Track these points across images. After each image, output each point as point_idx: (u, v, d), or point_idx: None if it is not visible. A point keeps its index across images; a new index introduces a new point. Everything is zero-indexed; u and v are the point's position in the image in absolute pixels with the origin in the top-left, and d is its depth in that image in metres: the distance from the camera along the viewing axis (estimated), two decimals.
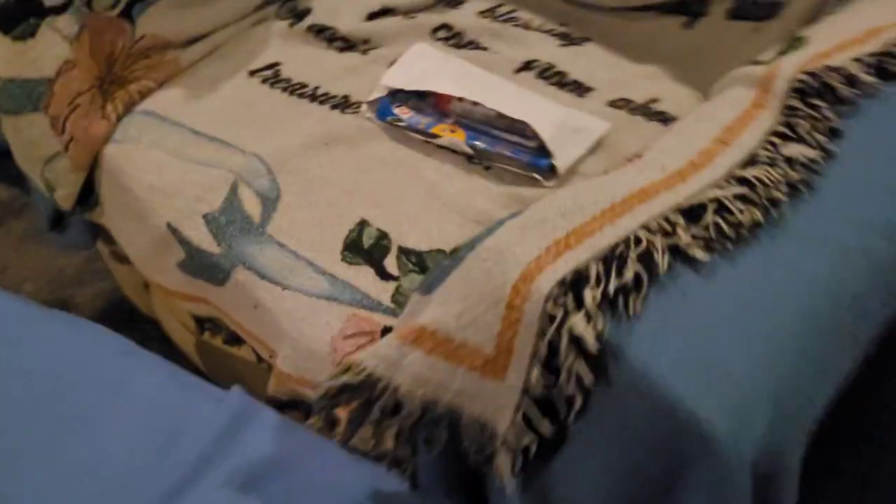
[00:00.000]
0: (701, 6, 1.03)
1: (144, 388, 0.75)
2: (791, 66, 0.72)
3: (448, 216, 0.82)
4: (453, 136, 0.89)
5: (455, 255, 0.63)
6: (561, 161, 0.85)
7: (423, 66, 0.98)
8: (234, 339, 0.95)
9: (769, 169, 0.63)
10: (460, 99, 0.91)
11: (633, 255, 0.57)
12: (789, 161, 0.64)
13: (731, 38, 0.99)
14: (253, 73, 1.02)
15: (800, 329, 0.56)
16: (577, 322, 0.54)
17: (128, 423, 0.72)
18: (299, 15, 1.09)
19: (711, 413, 0.52)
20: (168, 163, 0.91)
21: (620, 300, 0.55)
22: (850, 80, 0.72)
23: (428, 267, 0.78)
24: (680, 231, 0.59)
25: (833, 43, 0.77)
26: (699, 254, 0.58)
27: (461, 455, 0.64)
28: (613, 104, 0.96)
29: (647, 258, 0.57)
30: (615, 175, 0.66)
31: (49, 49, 0.92)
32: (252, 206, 0.86)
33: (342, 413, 0.65)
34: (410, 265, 0.79)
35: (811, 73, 0.71)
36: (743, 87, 0.73)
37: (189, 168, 0.90)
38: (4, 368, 0.76)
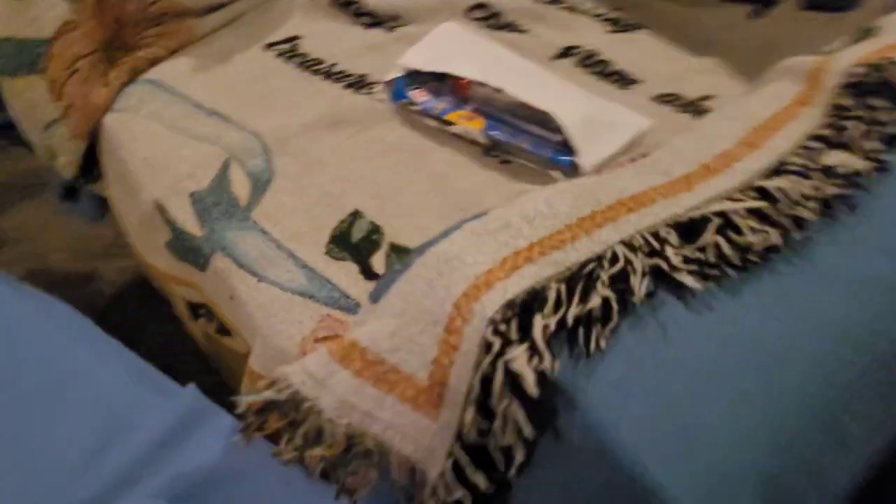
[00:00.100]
0: None
1: (95, 379, 0.69)
2: (848, 58, 0.58)
3: (449, 213, 0.73)
4: (469, 125, 0.80)
5: (406, 260, 0.53)
6: (585, 159, 0.74)
7: (447, 46, 0.88)
8: (225, 329, 0.88)
9: (800, 180, 0.50)
10: (482, 84, 0.82)
11: (604, 276, 0.45)
12: (827, 171, 0.51)
13: (802, 31, 0.86)
14: (270, 45, 0.94)
15: (811, 389, 0.44)
16: (518, 356, 0.43)
17: (70, 415, 0.66)
18: None
19: (681, 493, 0.40)
20: (163, 136, 0.85)
21: (581, 332, 0.44)
22: None
23: None
24: (669, 250, 0.47)
25: None
26: (689, 281, 0.46)
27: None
28: (660, 99, 0.85)
29: (621, 281, 0.45)
30: (606, 176, 0.55)
31: (49, 8, 0.86)
32: (241, 187, 0.79)
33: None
34: (398, 264, 0.70)
35: (871, 66, 0.57)
36: (789, 81, 0.61)
37: (183, 143, 0.83)
38: None
